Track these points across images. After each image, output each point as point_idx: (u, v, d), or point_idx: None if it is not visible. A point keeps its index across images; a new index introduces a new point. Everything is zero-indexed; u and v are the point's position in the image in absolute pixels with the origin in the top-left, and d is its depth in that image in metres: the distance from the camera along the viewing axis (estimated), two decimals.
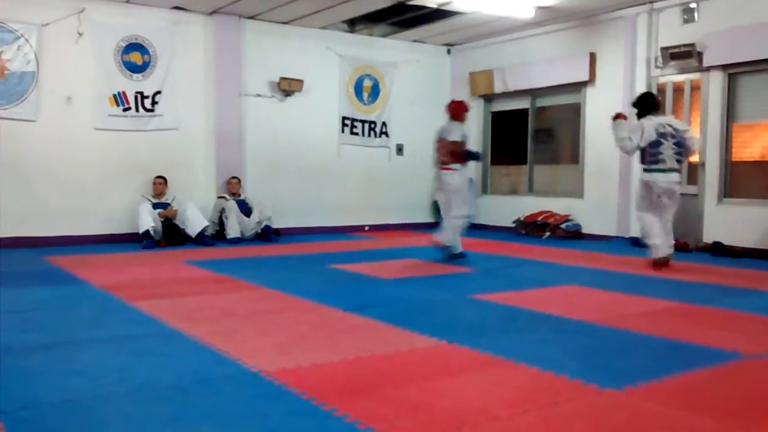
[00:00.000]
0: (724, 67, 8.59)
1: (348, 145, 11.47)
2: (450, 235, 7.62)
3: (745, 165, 8.69)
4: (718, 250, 8.28)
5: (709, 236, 8.64)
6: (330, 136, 11.29)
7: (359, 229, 11.46)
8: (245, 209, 9.92)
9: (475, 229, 11.77)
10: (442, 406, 2.93)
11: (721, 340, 4.11)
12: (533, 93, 11.27)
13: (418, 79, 12.14)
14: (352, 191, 11.50)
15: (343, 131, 11.42)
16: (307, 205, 11.02)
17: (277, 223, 10.27)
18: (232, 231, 9.68)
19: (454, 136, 7.69)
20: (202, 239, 9.27)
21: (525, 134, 11.53)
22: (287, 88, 10.66)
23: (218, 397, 3.04)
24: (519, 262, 7.83)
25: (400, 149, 12.01)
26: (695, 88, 9.06)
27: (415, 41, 11.93)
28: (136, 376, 3.33)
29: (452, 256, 7.60)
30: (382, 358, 3.70)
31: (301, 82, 10.74)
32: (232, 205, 9.79)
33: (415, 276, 6.71)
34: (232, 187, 10.04)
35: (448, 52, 12.49)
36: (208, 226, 9.52)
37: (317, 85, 11.04)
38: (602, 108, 10.11)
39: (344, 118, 11.41)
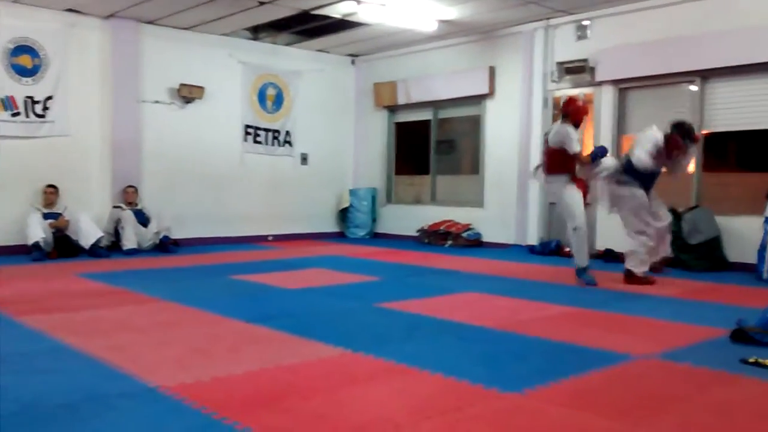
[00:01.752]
0: (615, 82, 9.04)
1: (251, 153, 11.30)
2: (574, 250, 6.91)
3: None
4: (609, 256, 8.67)
5: (601, 244, 9.03)
6: (232, 145, 11.09)
7: (263, 239, 11.30)
8: (142, 219, 9.58)
9: (378, 238, 11.88)
10: (346, 416, 2.91)
11: (614, 342, 4.29)
12: (435, 105, 11.49)
13: (322, 88, 12.13)
14: (255, 201, 11.33)
15: (246, 139, 11.24)
16: (209, 215, 10.77)
17: (177, 234, 9.98)
18: (128, 242, 9.33)
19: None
20: (96, 251, 8.88)
21: (428, 145, 11.72)
22: (187, 94, 10.40)
23: (112, 416, 2.90)
24: (422, 270, 7.93)
25: (304, 158, 11.94)
26: (588, 101, 9.48)
27: (320, 51, 11.93)
28: (21, 397, 3.13)
29: (579, 271, 6.85)
30: (287, 370, 3.64)
31: (202, 89, 10.51)
32: (128, 215, 9.43)
33: (320, 286, 6.67)
34: (129, 196, 9.68)
35: (353, 62, 12.56)
36: (102, 237, 9.13)
37: (219, 92, 10.83)
38: (501, 120, 10.46)
39: (247, 126, 11.24)
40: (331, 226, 12.39)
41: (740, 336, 4.30)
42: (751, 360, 3.78)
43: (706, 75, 8.24)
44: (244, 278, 7.07)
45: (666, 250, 7.18)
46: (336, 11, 9.37)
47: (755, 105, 7.93)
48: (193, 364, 3.71)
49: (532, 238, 9.96)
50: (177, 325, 4.79)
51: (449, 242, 10.62)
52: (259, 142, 11.40)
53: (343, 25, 10.09)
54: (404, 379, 3.50)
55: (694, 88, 8.40)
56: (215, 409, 2.94)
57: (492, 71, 10.48)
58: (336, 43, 11.47)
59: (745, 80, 8.00)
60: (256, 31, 10.73)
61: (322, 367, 3.71)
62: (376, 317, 5.20)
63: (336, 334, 4.42)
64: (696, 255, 7.82)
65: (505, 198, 10.35)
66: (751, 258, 7.39)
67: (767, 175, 7.74)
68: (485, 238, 10.57)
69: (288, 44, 11.46)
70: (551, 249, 9.41)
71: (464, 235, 10.55)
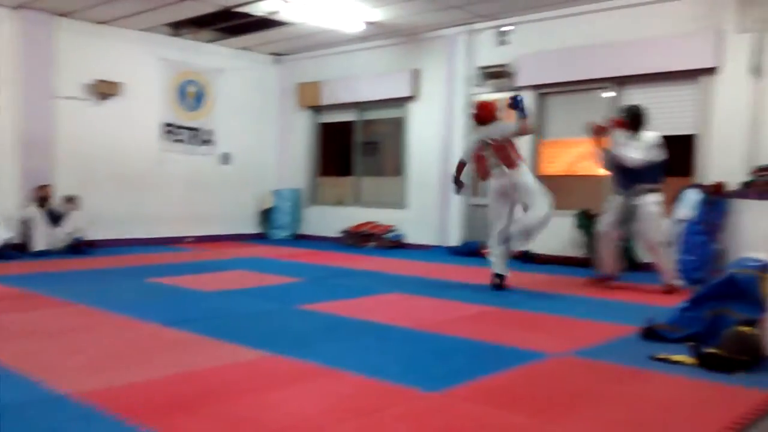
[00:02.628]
0: (535, 87, 9.27)
1: (170, 152, 11.01)
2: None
3: (552, 178, 9.40)
4: (526, 257, 8.88)
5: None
6: (150, 143, 10.78)
7: (181, 240, 11.04)
8: (55, 219, 9.19)
9: (302, 239, 11.80)
10: (267, 419, 2.87)
11: (530, 341, 4.40)
12: (360, 106, 11.50)
13: (245, 87, 11.95)
14: (174, 201, 11.04)
15: (165, 138, 10.95)
16: (125, 216, 10.42)
17: (92, 235, 9.62)
18: (39, 243, 8.93)
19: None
20: (4, 252, 8.46)
21: (352, 146, 11.73)
22: (104, 91, 10.05)
23: (19, 425, 2.76)
24: (345, 271, 7.92)
25: (226, 158, 11.73)
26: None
27: (243, 49, 11.75)
28: None
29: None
30: (205, 373, 3.57)
31: (119, 85, 10.18)
32: (39, 216, 9.03)
33: (240, 288, 6.56)
34: (41, 195, 9.27)
35: (276, 61, 12.43)
36: (11, 238, 8.72)
37: (137, 89, 10.51)
38: (424, 122, 10.57)
39: (166, 125, 10.96)
40: (252, 228, 12.22)
41: (650, 334, 4.48)
42: (661, 356, 3.94)
43: (621, 81, 8.56)
44: (162, 281, 6.89)
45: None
46: (259, 9, 9.25)
47: (665, 112, 8.28)
48: (105, 369, 3.58)
49: (454, 240, 10.11)
50: (89, 329, 4.61)
51: (372, 244, 10.65)
52: (179, 141, 11.13)
53: (266, 23, 9.97)
54: (326, 380, 3.48)
55: (610, 94, 8.71)
56: (129, 415, 2.85)
57: (416, 74, 10.58)
58: (259, 42, 11.33)
59: (656, 87, 8.35)
60: (177, 28, 10.47)
61: (241, 370, 3.65)
62: (297, 319, 5.15)
63: (256, 337, 4.36)
64: None
65: (428, 200, 10.46)
66: None
67: (675, 179, 8.09)
68: (408, 240, 10.66)
69: (210, 41, 11.23)
70: (472, 250, 9.56)
71: (387, 236, 10.61)
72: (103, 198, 10.14)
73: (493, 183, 6.66)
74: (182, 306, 5.61)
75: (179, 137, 11.12)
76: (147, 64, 10.63)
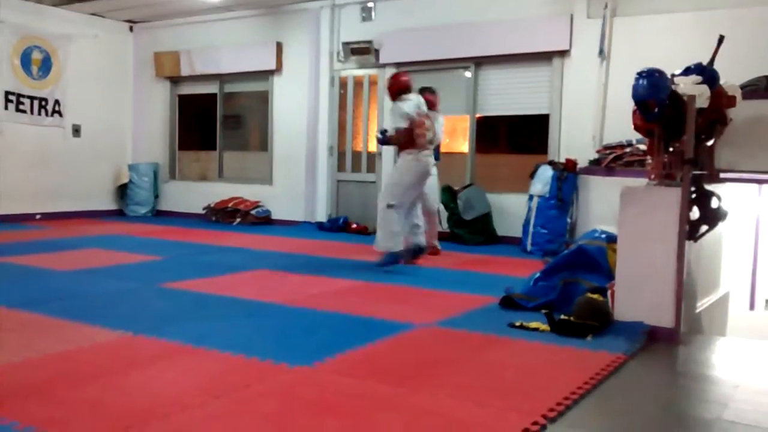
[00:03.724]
0: (397, 65, 9.36)
1: (14, 123, 10.17)
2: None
3: None
4: None
5: None
6: None
7: (30, 218, 10.27)
8: None
9: (162, 216, 11.35)
10: (127, 402, 2.75)
11: (397, 313, 4.49)
12: (222, 78, 11.16)
13: (97, 55, 11.23)
14: (19, 176, 10.22)
15: (6, 107, 10.09)
16: None
17: None
18: None
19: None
20: None
21: (214, 119, 11.37)
22: None
23: None
24: (210, 249, 7.71)
25: (77, 130, 11.01)
26: (373, 83, 9.76)
27: (94, 14, 11.02)
28: None
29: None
30: (58, 357, 3.35)
31: None
32: None
33: (97, 267, 6.22)
34: None
35: (131, 29, 11.77)
36: None
37: None
38: (289, 97, 10.43)
39: (8, 93, 10.10)
40: (108, 204, 11.59)
41: (508, 303, 4.70)
42: (517, 324, 4.15)
43: (479, 61, 8.84)
44: (7, 260, 6.39)
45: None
46: None
47: (522, 91, 8.67)
48: None
49: (321, 215, 10.10)
50: None
51: (238, 220, 10.43)
52: (23, 111, 10.29)
53: None
54: (191, 359, 3.38)
55: (468, 74, 8.98)
56: None
57: (279, 47, 10.39)
58: (111, 7, 10.68)
59: (513, 68, 8.71)
60: None
61: (99, 353, 3.47)
62: (159, 298, 4.96)
63: (115, 317, 4.16)
64: (470, 230, 8.41)
65: (294, 175, 10.36)
66: (518, 232, 8.10)
67: (532, 156, 8.51)
68: (274, 216, 10.53)
69: (56, 5, 10.44)
70: (339, 225, 9.60)
71: (253, 212, 10.42)
72: None
73: (420, 162, 6.36)
74: (32, 286, 5.24)
75: (23, 107, 10.29)
76: None
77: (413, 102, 6.46)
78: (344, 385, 3.04)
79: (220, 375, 3.14)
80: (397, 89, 6.53)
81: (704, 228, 4.16)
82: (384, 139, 6.89)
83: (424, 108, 6.57)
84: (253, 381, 3.04)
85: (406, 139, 6.37)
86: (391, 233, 6.27)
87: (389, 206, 6.28)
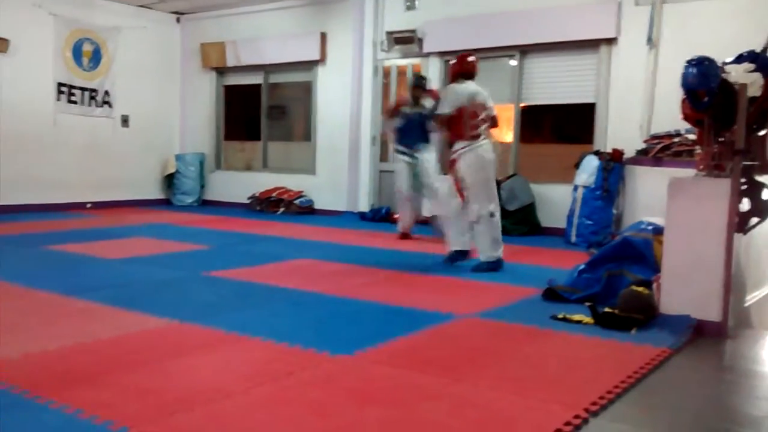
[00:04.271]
0: (441, 54, 9.32)
1: (66, 114, 10.45)
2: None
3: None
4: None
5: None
6: (44, 104, 10.19)
7: (81, 206, 10.56)
8: None
9: (207, 205, 11.54)
10: (173, 388, 2.81)
11: (439, 303, 4.48)
12: (266, 69, 11.26)
13: (145, 47, 11.45)
14: (71, 165, 10.51)
15: (59, 99, 10.38)
16: (17, 181, 9.83)
17: None
18: None
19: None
20: None
21: (259, 110, 11.49)
22: None
23: None
24: (254, 238, 7.81)
25: (125, 121, 11.25)
26: (417, 72, 9.72)
27: (142, 6, 11.22)
28: None
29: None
30: (108, 343, 3.45)
31: (6, 41, 9.53)
32: None
33: (144, 255, 6.36)
34: None
35: (178, 20, 11.96)
36: None
37: (27, 46, 9.88)
38: (332, 87, 10.47)
39: (60, 85, 10.37)
40: (156, 193, 11.84)
41: (551, 294, 4.66)
42: (560, 316, 4.11)
43: (525, 50, 8.73)
44: (60, 248, 6.59)
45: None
46: None
47: (567, 80, 8.54)
48: (1, 342, 3.40)
49: (364, 205, 10.14)
50: None
51: (281, 209, 10.54)
52: (75, 102, 10.57)
53: None
54: (235, 347, 3.44)
55: (513, 62, 8.88)
56: (26, 387, 2.73)
57: (323, 37, 10.43)
58: (159, 0, 10.85)
59: (559, 56, 8.58)
60: None
61: (146, 340, 3.56)
62: (204, 286, 5.05)
63: (162, 305, 4.25)
64: (513, 220, 8.33)
65: (337, 165, 10.42)
66: (562, 223, 8.01)
67: (577, 146, 8.39)
68: (318, 206, 10.61)
69: None
70: (381, 215, 9.63)
71: (296, 202, 10.51)
72: None
73: (480, 151, 5.83)
74: (83, 274, 5.39)
75: (75, 98, 10.56)
76: (37, 20, 9.98)
77: (470, 90, 5.90)
78: (386, 375, 3.06)
79: (264, 363, 3.19)
80: (457, 71, 6.03)
81: (755, 220, 4.06)
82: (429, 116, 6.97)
83: (481, 98, 5.93)
84: (296, 369, 3.08)
85: (453, 127, 5.86)
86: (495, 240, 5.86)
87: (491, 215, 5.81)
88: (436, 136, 6.88)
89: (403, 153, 7.74)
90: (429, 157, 7.54)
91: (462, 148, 5.82)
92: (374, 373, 3.08)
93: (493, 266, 5.81)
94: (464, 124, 5.82)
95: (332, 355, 3.28)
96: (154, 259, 6.20)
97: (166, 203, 11.79)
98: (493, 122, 6.07)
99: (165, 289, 4.91)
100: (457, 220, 5.98)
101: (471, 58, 6.08)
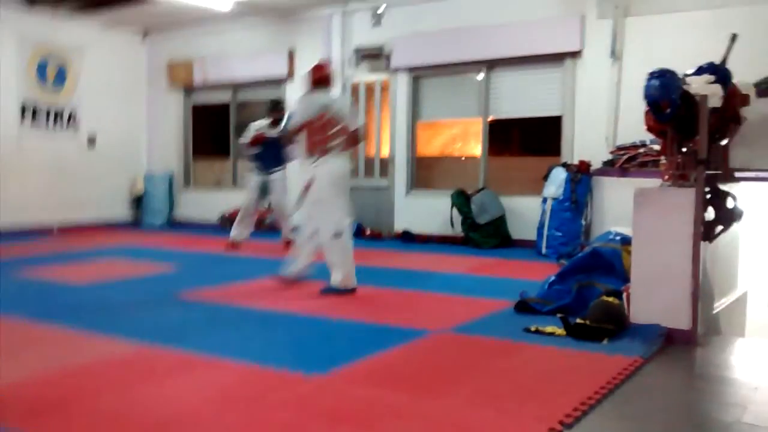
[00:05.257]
0: (410, 70, 9.38)
1: (30, 134, 10.26)
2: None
3: (428, 160, 9.61)
4: (406, 237, 9.05)
5: (399, 225, 9.40)
6: (7, 125, 10.00)
7: (47, 229, 10.35)
8: None
9: (178, 225, 11.41)
10: (144, 413, 2.76)
11: (411, 319, 4.49)
12: (235, 86, 11.22)
13: (111, 66, 11.33)
14: (37, 187, 10.31)
15: (24, 119, 10.20)
16: None
17: None
18: None
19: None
20: None
21: (228, 127, 11.42)
22: None
23: None
24: (224, 258, 7.74)
25: (92, 141, 11.10)
26: (385, 88, 9.77)
27: (107, 25, 11.12)
28: None
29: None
30: (76, 370, 3.38)
31: None
32: None
33: (112, 278, 6.27)
34: None
35: (144, 39, 11.87)
36: None
37: None
38: None
39: (24, 105, 10.20)
40: (124, 214, 11.69)
41: (523, 307, 4.68)
42: (533, 328, 4.12)
43: (491, 64, 8.82)
44: (26, 272, 6.45)
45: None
46: None
47: (534, 94, 8.64)
48: None
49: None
50: None
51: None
52: (40, 123, 10.40)
53: None
54: (206, 370, 3.39)
55: (480, 76, 8.96)
56: None
57: (291, 54, 10.43)
58: (124, 18, 10.76)
59: (525, 70, 8.67)
60: (33, 1, 9.74)
61: (115, 365, 3.49)
62: (174, 309, 4.98)
63: (131, 329, 4.18)
64: (484, 233, 8.39)
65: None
66: (532, 235, 8.07)
67: (545, 158, 8.47)
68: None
69: (70, 17, 10.54)
70: (353, 231, 9.58)
71: (267, 219, 10.43)
72: None
73: (330, 165, 5.45)
74: (49, 298, 5.29)
75: (39, 118, 10.40)
76: (0, 40, 9.84)
77: (322, 101, 5.52)
78: (360, 394, 3.04)
79: (235, 386, 3.15)
80: (313, 81, 5.61)
81: (719, 228, 4.13)
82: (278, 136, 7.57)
83: (336, 110, 5.53)
84: (268, 391, 3.05)
85: (305, 140, 5.48)
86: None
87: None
88: (291, 152, 7.07)
89: (259, 174, 8.22)
90: (282, 176, 8.16)
91: (312, 162, 5.45)
92: (348, 393, 3.05)
93: (343, 293, 5.38)
94: (314, 136, 5.43)
95: (306, 375, 3.25)
96: (124, 281, 6.11)
97: (135, 224, 11.64)
98: (353, 138, 5.62)
99: (134, 312, 4.83)
100: (310, 246, 5.58)
101: (325, 67, 5.77)
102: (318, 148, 5.43)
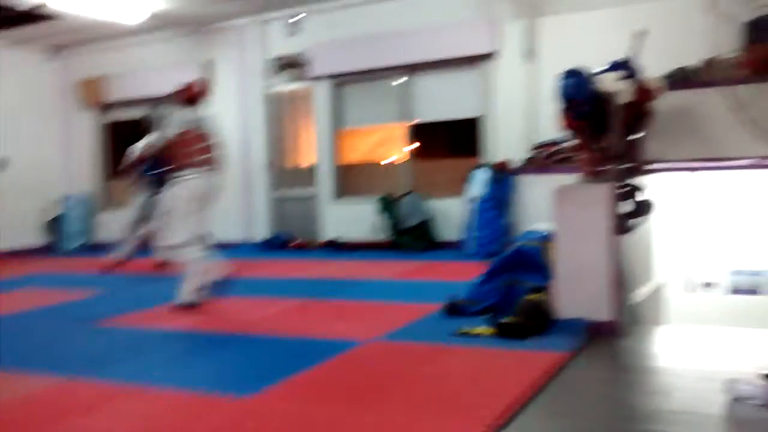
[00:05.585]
0: (330, 77, 9.33)
1: None
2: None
3: (353, 166, 9.59)
4: (334, 245, 8.99)
5: (327, 234, 9.33)
6: None
7: None
8: None
9: (97, 248, 10.99)
10: None
11: (341, 330, 4.44)
12: (151, 102, 10.90)
13: (18, 86, 10.80)
14: None
15: None
16: None
17: None
18: None
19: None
20: None
21: None
22: None
23: None
24: (144, 279, 7.48)
25: (3, 164, 10.57)
26: (305, 96, 9.69)
27: (11, 44, 10.63)
28: None
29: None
30: None
31: None
32: None
33: (27, 308, 5.96)
34: None
35: (52, 57, 11.41)
36: None
37: None
38: (220, 116, 10.14)
39: None
40: (39, 240, 11.18)
41: (452, 309, 4.70)
42: (463, 331, 4.15)
43: (411, 69, 8.87)
44: None
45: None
46: (23, 2, 8.37)
47: (454, 96, 8.74)
48: None
49: (260, 234, 9.95)
50: None
51: None
52: None
53: (33, 17, 9.07)
54: (131, 400, 3.26)
55: (401, 81, 9.00)
56: None
57: (208, 66, 10.19)
58: (29, 36, 10.32)
59: (444, 73, 8.77)
60: None
61: (33, 402, 3.32)
62: (95, 337, 4.77)
63: (49, 362, 4.00)
64: (411, 237, 8.43)
65: (229, 195, 10.15)
66: (459, 236, 8.14)
67: (468, 160, 8.58)
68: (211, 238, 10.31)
69: None
70: (279, 242, 9.49)
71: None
72: None
73: (192, 181, 5.41)
74: None
75: None
76: None
77: (189, 117, 5.66)
78: (294, 411, 2.98)
79: (164, 414, 3.04)
80: (182, 98, 5.80)
81: (632, 221, 4.26)
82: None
83: (203, 127, 5.72)
84: (199, 416, 2.96)
85: (173, 155, 5.53)
86: None
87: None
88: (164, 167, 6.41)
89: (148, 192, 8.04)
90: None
91: (178, 176, 5.43)
92: (283, 412, 2.99)
93: (188, 306, 5.35)
94: (179, 151, 5.46)
95: (237, 397, 3.17)
96: (39, 311, 5.82)
97: (51, 249, 11.16)
98: (216, 156, 5.68)
99: (51, 343, 4.61)
100: (196, 269, 5.40)
101: (195, 86, 5.94)
102: (182, 163, 5.45)
